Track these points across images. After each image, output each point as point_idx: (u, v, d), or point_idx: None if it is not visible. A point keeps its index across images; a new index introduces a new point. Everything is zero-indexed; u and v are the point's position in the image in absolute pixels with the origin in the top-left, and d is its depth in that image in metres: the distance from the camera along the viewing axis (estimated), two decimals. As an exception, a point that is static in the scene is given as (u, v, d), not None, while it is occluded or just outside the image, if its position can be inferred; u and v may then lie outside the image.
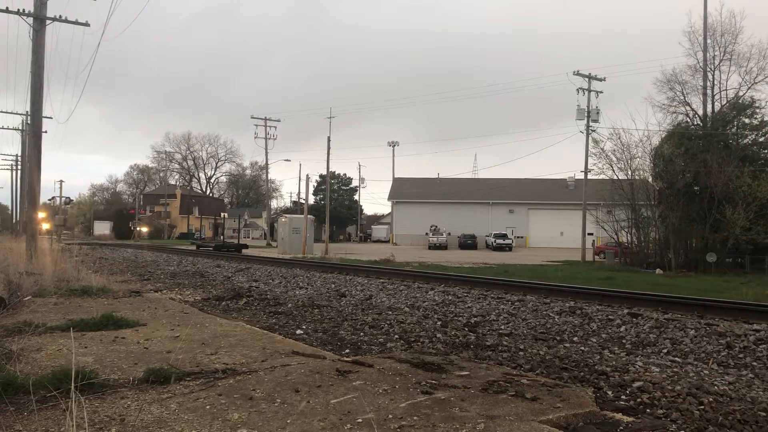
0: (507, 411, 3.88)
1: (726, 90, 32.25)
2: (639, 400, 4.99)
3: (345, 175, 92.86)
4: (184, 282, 15.76)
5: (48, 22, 19.05)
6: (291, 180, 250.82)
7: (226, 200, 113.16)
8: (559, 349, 7.18)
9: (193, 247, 39.93)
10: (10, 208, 72.83)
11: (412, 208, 69.90)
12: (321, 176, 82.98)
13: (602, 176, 36.05)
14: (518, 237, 65.10)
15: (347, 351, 7.02)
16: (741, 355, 7.03)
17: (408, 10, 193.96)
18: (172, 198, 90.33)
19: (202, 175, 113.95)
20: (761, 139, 32.12)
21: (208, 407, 3.90)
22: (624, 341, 7.96)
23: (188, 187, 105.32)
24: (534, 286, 13.32)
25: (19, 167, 55.49)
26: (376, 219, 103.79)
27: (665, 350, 7.38)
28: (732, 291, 15.97)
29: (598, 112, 39.43)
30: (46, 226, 41.51)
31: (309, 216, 39.45)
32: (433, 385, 4.50)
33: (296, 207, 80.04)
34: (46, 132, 30.00)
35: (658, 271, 27.83)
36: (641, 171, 33.89)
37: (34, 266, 13.83)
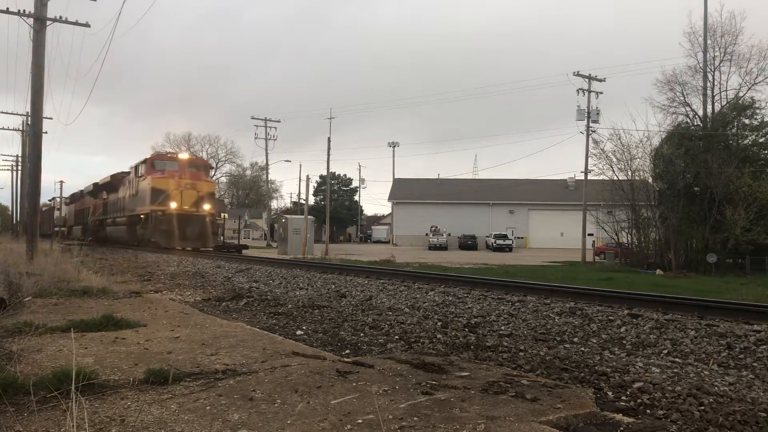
0: (507, 412, 3.88)
1: (726, 91, 32.31)
2: (639, 400, 4.99)
3: (345, 175, 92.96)
4: (185, 282, 15.76)
5: (48, 22, 19.07)
6: (291, 180, 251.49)
7: (226, 201, 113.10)
8: (560, 350, 7.18)
9: (193, 248, 39.93)
10: (10, 208, 72.86)
11: (412, 209, 69.91)
12: (321, 177, 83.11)
13: (602, 177, 36.15)
14: (518, 238, 65.09)
15: (347, 352, 7.02)
16: (741, 356, 7.03)
17: (408, 11, 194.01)
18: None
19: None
20: (761, 140, 32.15)
21: (208, 408, 3.90)
22: (624, 342, 7.95)
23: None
24: (534, 286, 13.31)
25: (20, 168, 55.53)
26: (377, 220, 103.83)
27: (665, 351, 7.38)
28: (732, 292, 15.98)
29: (598, 113, 39.50)
30: None
31: (309, 216, 39.46)
32: (433, 386, 4.50)
33: (296, 207, 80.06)
34: (46, 132, 30.04)
35: (658, 271, 27.84)
36: (641, 171, 33.97)
37: (34, 267, 13.84)
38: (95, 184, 47.23)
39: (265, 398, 4.13)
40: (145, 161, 35.21)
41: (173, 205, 32.24)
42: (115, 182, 41.28)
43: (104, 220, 43.93)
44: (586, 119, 39.05)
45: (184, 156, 36.99)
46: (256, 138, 63.39)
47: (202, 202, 33.48)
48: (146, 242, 33.35)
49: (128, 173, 38.79)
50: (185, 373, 4.76)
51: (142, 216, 33.76)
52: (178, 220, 31.99)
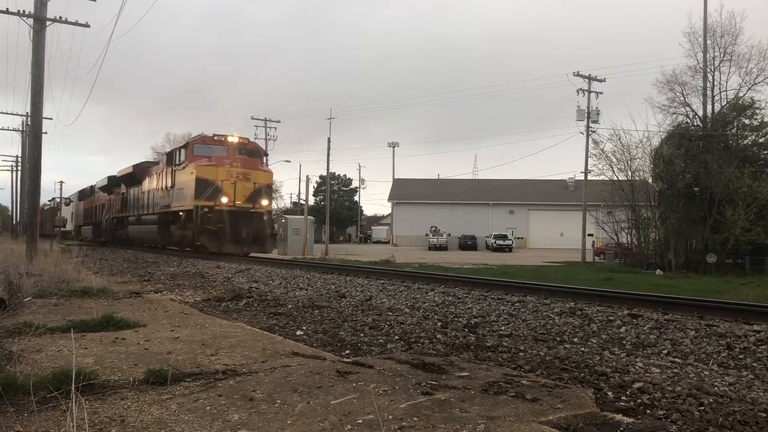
0: (507, 412, 3.88)
1: (726, 91, 32.34)
2: (639, 401, 4.99)
3: (345, 176, 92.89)
4: (185, 283, 15.75)
5: (48, 23, 19.09)
6: (291, 181, 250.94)
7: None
8: (560, 350, 7.18)
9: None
10: (10, 209, 72.93)
11: (412, 209, 69.91)
12: (321, 177, 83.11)
13: (602, 177, 36.19)
14: (518, 238, 65.07)
15: (347, 352, 7.02)
16: (741, 356, 7.03)
17: (408, 13, 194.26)
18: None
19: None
20: (761, 140, 32.20)
21: (208, 408, 3.90)
22: (624, 342, 7.95)
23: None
24: (534, 287, 13.31)
25: (20, 168, 55.60)
26: (376, 220, 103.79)
27: (665, 351, 7.38)
28: (732, 292, 15.97)
29: (598, 113, 39.56)
30: None
31: (309, 217, 39.50)
32: (433, 386, 4.50)
33: (296, 208, 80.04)
34: (46, 133, 29.82)
35: (658, 272, 27.86)
36: (641, 172, 34.02)
37: (34, 267, 13.84)
38: (110, 178, 40.65)
39: (265, 398, 4.13)
40: (186, 145, 28.71)
41: (224, 199, 25.76)
42: (138, 174, 34.79)
43: (125, 218, 37.60)
44: (586, 119, 39.08)
45: (234, 139, 28.17)
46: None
47: (258, 197, 27.02)
48: (187, 245, 27.97)
49: (155, 163, 33.72)
50: (185, 373, 4.76)
51: (181, 213, 27.70)
52: (230, 218, 25.80)
